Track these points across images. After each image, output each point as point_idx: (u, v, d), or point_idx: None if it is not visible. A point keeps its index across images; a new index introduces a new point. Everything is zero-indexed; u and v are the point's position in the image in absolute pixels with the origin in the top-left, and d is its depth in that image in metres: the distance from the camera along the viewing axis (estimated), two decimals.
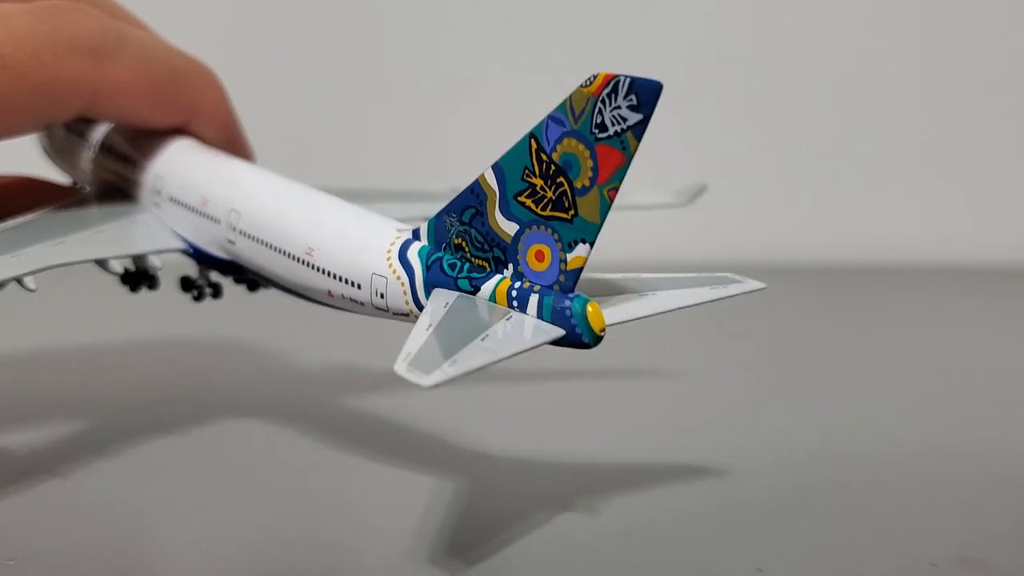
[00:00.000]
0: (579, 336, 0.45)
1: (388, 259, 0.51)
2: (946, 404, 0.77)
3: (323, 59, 1.30)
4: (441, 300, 0.48)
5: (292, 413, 0.70)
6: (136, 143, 0.64)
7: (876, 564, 0.51)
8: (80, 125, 0.67)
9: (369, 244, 0.52)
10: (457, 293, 0.48)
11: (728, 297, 0.50)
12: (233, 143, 0.64)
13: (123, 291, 0.62)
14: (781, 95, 1.32)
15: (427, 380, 0.40)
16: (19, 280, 0.52)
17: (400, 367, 0.41)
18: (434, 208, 0.51)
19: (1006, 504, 0.59)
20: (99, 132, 0.66)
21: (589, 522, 0.54)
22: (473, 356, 0.42)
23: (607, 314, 0.46)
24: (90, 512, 0.55)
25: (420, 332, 0.44)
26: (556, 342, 0.45)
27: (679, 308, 0.49)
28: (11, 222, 0.57)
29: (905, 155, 1.34)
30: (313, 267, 0.54)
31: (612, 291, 0.48)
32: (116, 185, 0.65)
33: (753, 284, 0.52)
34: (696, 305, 0.49)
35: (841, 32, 1.32)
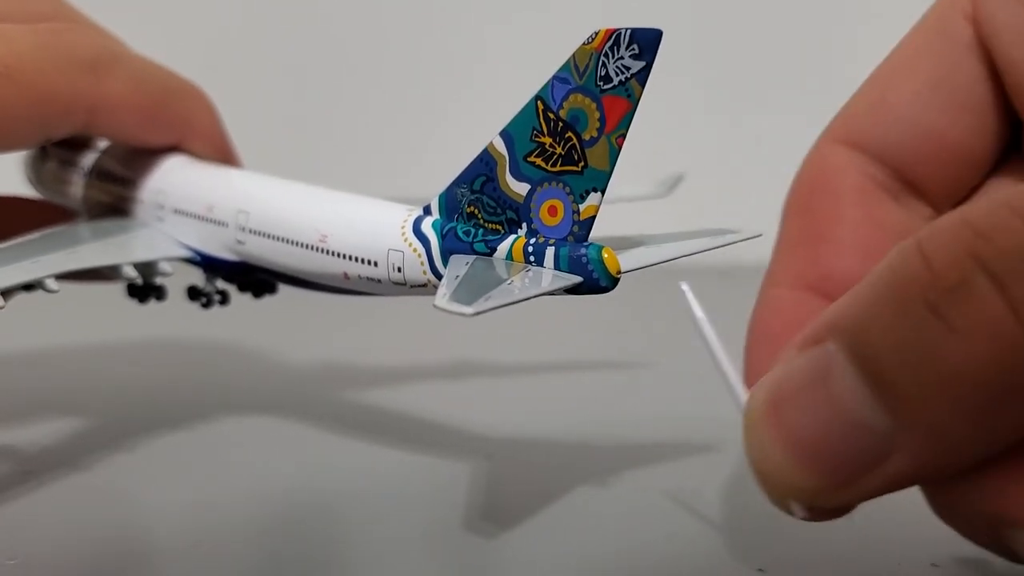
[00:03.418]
0: (597, 280, 0.47)
1: (403, 234, 0.52)
2: None
3: (307, 75, 1.31)
4: (461, 262, 0.49)
5: (295, 411, 0.69)
6: (131, 163, 0.65)
7: (876, 564, 0.51)
8: (70, 154, 0.67)
9: (383, 222, 0.53)
10: (475, 256, 0.49)
11: (729, 244, 0.52)
12: (224, 160, 0.65)
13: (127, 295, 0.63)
14: (781, 93, 1.32)
15: (469, 309, 0.42)
16: (40, 284, 0.53)
17: (441, 301, 0.43)
18: None
19: None
20: (90, 158, 0.67)
21: (588, 522, 0.54)
22: (505, 295, 0.45)
23: (621, 261, 0.47)
24: (91, 512, 0.55)
25: (450, 281, 0.47)
26: (576, 290, 0.47)
27: (687, 255, 0.51)
28: (19, 239, 0.58)
29: None
30: (328, 252, 0.55)
31: (622, 245, 0.50)
32: (112, 206, 0.65)
33: (751, 232, 0.53)
34: (702, 252, 0.51)
35: (841, 30, 1.32)
